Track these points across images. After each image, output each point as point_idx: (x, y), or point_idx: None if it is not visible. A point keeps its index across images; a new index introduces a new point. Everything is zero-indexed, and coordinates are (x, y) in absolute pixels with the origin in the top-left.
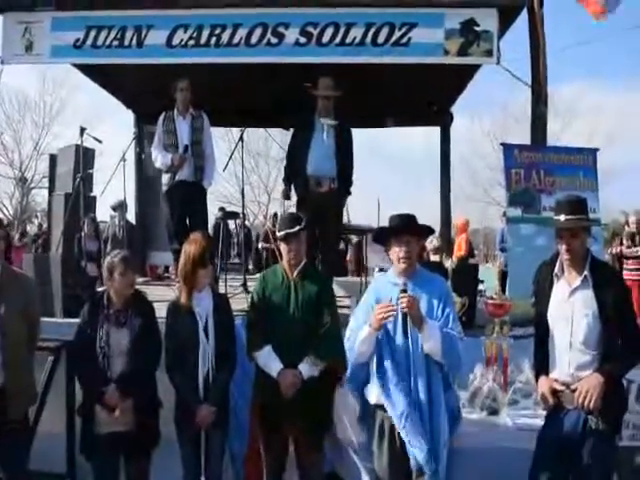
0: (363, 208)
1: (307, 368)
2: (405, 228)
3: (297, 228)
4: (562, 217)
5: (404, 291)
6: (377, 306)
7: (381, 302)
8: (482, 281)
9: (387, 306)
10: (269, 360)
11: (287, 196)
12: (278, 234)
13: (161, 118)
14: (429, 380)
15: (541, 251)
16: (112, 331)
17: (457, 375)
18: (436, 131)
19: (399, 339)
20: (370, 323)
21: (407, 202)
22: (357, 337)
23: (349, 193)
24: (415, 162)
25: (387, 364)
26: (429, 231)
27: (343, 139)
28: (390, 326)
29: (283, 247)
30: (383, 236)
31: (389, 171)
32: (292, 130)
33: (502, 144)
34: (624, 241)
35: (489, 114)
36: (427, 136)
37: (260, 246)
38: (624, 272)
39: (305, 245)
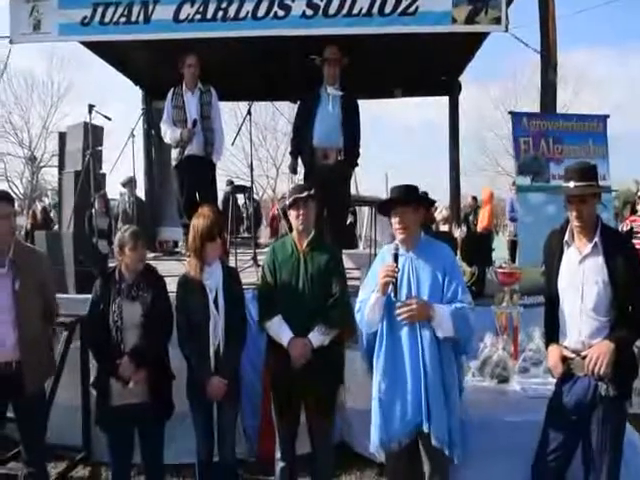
0: (372, 181)
1: (317, 337)
2: (396, 199)
3: (305, 193)
4: (571, 184)
5: (396, 256)
6: (380, 270)
7: None
8: (494, 249)
9: (388, 267)
10: (279, 330)
11: (294, 170)
12: (287, 201)
13: (170, 94)
14: (436, 344)
15: (551, 219)
16: (124, 305)
17: (470, 347)
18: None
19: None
20: (376, 289)
21: (417, 174)
22: (366, 306)
23: (356, 165)
24: (425, 133)
25: (386, 333)
26: (424, 200)
27: (349, 110)
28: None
29: (292, 213)
30: (384, 209)
31: (399, 142)
32: (299, 102)
33: (510, 112)
34: (638, 206)
35: (498, 83)
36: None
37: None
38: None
39: (314, 213)
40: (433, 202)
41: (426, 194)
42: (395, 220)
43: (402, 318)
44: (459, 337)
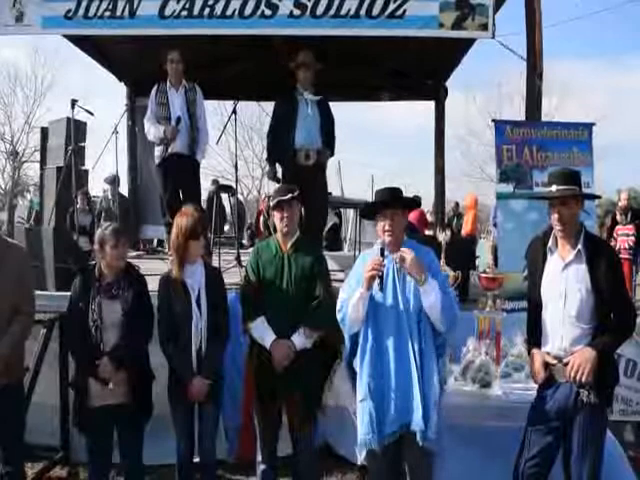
0: (358, 184)
1: (300, 339)
2: (387, 202)
3: (289, 196)
4: (553, 187)
5: (382, 251)
6: (366, 264)
7: None
8: (478, 256)
9: (375, 261)
10: (262, 331)
11: (274, 176)
12: (271, 203)
13: (154, 90)
14: (421, 344)
15: (532, 226)
16: (104, 304)
17: (451, 347)
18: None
19: (389, 305)
20: (360, 284)
21: (402, 178)
22: (348, 305)
23: (333, 154)
24: (411, 137)
25: (371, 333)
26: (414, 204)
27: (325, 113)
28: (378, 295)
29: (276, 215)
30: (370, 211)
31: (385, 147)
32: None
33: (493, 120)
34: (617, 216)
35: (483, 91)
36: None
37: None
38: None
39: (298, 215)
40: (418, 204)
41: (418, 198)
42: (385, 223)
43: (398, 256)
44: (443, 317)
